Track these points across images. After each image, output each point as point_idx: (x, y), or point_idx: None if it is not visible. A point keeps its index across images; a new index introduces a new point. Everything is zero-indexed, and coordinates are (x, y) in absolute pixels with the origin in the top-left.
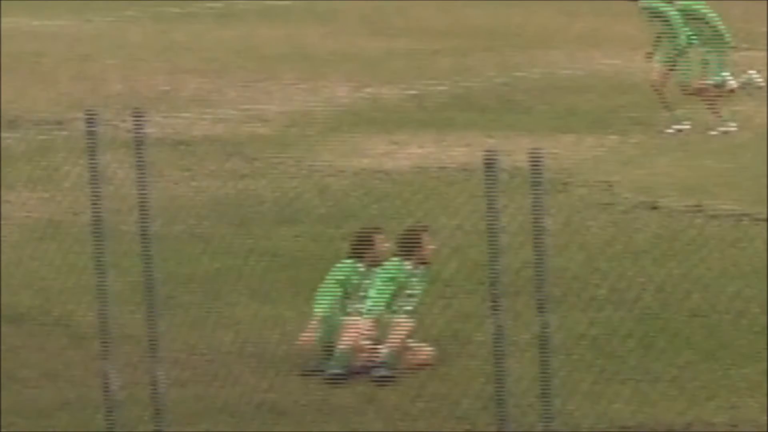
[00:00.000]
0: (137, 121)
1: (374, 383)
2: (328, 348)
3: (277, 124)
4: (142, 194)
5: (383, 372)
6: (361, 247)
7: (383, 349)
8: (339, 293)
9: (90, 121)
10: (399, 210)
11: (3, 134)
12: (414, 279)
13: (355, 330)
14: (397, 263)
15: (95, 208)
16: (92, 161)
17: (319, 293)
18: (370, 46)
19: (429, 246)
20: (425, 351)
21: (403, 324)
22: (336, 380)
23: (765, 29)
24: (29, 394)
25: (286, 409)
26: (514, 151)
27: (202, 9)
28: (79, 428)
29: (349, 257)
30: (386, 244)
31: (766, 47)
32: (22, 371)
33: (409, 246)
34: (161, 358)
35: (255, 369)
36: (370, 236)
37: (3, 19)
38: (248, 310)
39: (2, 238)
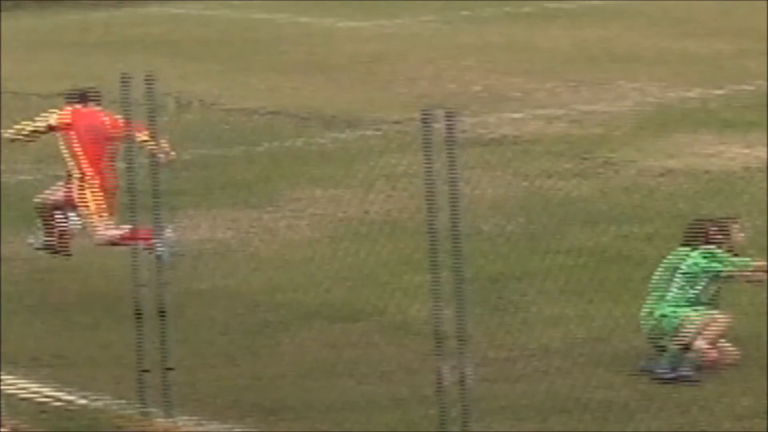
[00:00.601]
0: (450, 120)
1: (682, 382)
2: (657, 344)
3: (602, 124)
4: (453, 191)
5: (687, 372)
6: (695, 236)
7: (698, 345)
8: (673, 285)
9: (425, 120)
10: (722, 209)
11: (340, 134)
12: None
13: (690, 326)
14: (714, 251)
15: (430, 206)
16: (427, 160)
17: (650, 288)
18: (690, 47)
19: (739, 236)
20: (730, 351)
21: (720, 319)
22: (665, 380)
23: None
24: (363, 390)
25: (594, 407)
26: None
27: (534, 9)
28: (410, 424)
29: (684, 245)
30: (720, 235)
31: (766, 50)
32: (358, 367)
33: (720, 235)
34: (470, 355)
35: (562, 367)
36: (703, 225)
37: (342, 22)
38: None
39: (338, 236)
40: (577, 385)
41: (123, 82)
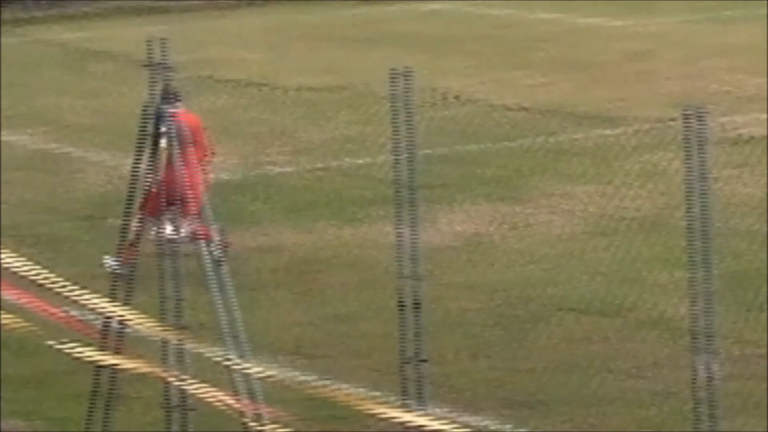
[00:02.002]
0: (702, 119)
1: None
2: None
3: None
4: (705, 189)
5: None
6: None
7: None
8: None
9: (687, 118)
10: None
11: (596, 131)
12: None
13: None
14: None
15: (689, 204)
16: (687, 158)
17: None
18: None
19: None
20: None
21: None
22: None
23: None
24: (618, 385)
25: None
26: None
27: None
28: (665, 420)
29: None
30: None
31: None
32: (612, 362)
33: None
34: (721, 351)
35: None
36: None
37: (602, 20)
38: None
39: (593, 232)
40: None
41: (391, 78)
